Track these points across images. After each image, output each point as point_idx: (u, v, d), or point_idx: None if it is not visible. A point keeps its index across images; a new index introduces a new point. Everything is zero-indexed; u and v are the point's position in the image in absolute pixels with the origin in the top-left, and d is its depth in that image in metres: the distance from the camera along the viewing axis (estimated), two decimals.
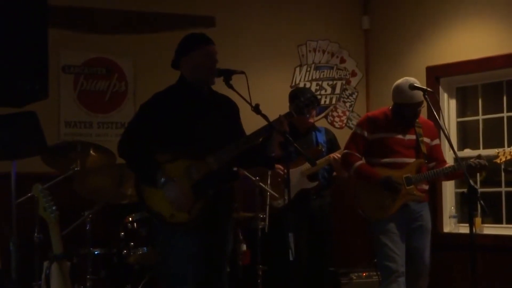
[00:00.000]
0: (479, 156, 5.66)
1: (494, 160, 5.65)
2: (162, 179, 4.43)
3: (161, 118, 4.55)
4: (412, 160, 5.75)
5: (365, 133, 5.81)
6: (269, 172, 6.33)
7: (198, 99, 4.69)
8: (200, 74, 4.66)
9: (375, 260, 5.87)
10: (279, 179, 6.40)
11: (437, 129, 5.90)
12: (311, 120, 6.68)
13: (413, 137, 5.79)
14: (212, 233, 4.63)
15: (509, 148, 5.68)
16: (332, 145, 6.70)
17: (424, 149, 5.77)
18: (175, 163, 4.52)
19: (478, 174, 6.97)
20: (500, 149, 5.68)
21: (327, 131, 6.91)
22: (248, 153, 4.65)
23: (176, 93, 4.69)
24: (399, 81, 5.72)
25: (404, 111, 5.73)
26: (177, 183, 4.45)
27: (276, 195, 6.34)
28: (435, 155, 5.90)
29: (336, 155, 6.43)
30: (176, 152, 4.51)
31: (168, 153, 4.51)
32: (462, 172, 5.39)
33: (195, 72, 4.66)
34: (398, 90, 5.69)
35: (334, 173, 6.70)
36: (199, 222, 4.51)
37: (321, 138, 6.72)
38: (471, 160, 5.60)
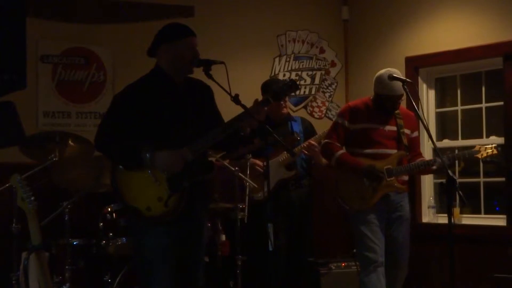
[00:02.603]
0: (453, 155, 5.71)
1: (475, 156, 5.66)
2: (147, 154, 4.40)
3: (135, 109, 4.50)
4: (393, 151, 5.78)
5: (346, 123, 5.82)
6: (248, 163, 6.32)
7: (172, 89, 4.65)
8: (180, 64, 4.62)
9: (354, 251, 5.88)
10: (257, 174, 6.41)
11: (417, 120, 5.92)
12: (285, 110, 6.66)
13: (394, 128, 5.80)
14: (187, 225, 4.63)
15: (490, 145, 5.69)
16: (309, 133, 6.69)
17: (405, 140, 5.79)
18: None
19: (456, 164, 7.02)
20: (482, 146, 5.69)
21: (303, 120, 6.91)
22: (222, 140, 4.63)
23: (150, 83, 4.64)
24: (381, 71, 5.72)
25: (384, 102, 5.74)
26: (162, 151, 4.43)
27: (255, 186, 6.34)
28: (412, 147, 5.92)
29: (310, 141, 6.42)
30: (151, 144, 4.48)
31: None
32: (438, 167, 5.46)
33: (175, 62, 4.62)
34: (380, 81, 5.69)
35: (313, 161, 6.69)
36: (175, 215, 4.50)
37: (297, 127, 6.71)
38: (445, 158, 5.57)
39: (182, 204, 4.49)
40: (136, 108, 4.51)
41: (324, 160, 6.34)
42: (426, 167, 5.78)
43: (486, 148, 5.64)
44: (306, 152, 6.46)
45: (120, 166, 4.57)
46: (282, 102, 6.50)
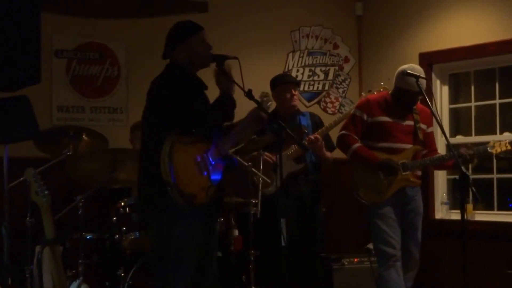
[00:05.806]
0: (467, 146, 5.69)
1: (490, 151, 5.66)
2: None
3: (181, 101, 4.52)
4: (408, 146, 5.79)
5: (365, 116, 5.83)
6: (261, 158, 6.31)
7: (197, 85, 4.75)
8: (197, 60, 4.68)
9: (366, 246, 5.88)
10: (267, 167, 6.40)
11: (432, 115, 5.92)
12: (295, 102, 6.64)
13: (411, 123, 5.82)
14: (212, 216, 4.73)
15: (504, 140, 5.68)
16: (317, 127, 6.67)
17: (421, 135, 5.80)
18: (196, 145, 4.51)
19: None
20: (496, 141, 5.68)
21: (311, 115, 6.88)
22: None
23: (181, 79, 4.67)
24: (404, 66, 5.71)
25: (404, 97, 5.75)
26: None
27: (268, 181, 6.33)
28: (428, 142, 5.93)
29: (314, 135, 6.39)
30: (195, 135, 4.51)
31: (187, 136, 4.49)
32: (454, 162, 5.43)
33: (192, 59, 4.67)
34: (402, 76, 5.68)
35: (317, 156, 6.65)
36: (209, 205, 4.56)
37: (305, 121, 6.69)
38: (462, 151, 5.58)
39: (216, 196, 4.60)
40: (181, 99, 4.52)
41: (328, 154, 6.35)
42: (441, 162, 5.79)
43: (500, 143, 5.64)
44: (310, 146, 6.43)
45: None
46: (293, 93, 6.53)
